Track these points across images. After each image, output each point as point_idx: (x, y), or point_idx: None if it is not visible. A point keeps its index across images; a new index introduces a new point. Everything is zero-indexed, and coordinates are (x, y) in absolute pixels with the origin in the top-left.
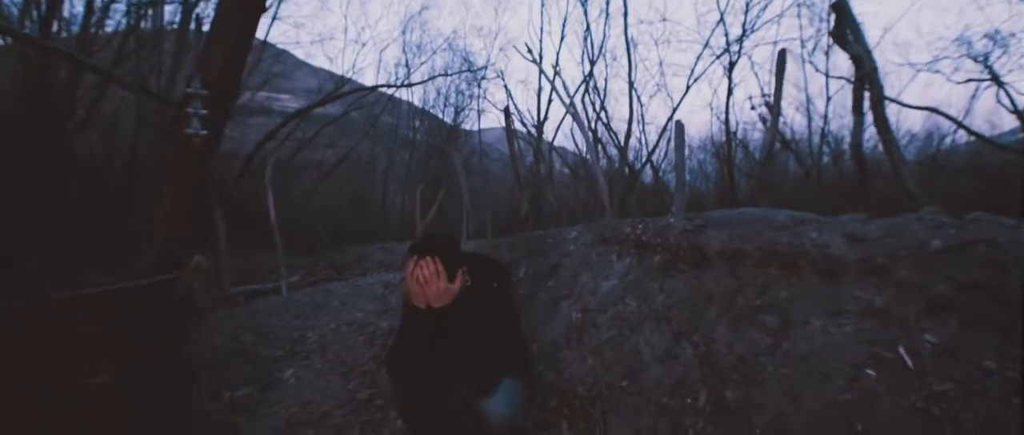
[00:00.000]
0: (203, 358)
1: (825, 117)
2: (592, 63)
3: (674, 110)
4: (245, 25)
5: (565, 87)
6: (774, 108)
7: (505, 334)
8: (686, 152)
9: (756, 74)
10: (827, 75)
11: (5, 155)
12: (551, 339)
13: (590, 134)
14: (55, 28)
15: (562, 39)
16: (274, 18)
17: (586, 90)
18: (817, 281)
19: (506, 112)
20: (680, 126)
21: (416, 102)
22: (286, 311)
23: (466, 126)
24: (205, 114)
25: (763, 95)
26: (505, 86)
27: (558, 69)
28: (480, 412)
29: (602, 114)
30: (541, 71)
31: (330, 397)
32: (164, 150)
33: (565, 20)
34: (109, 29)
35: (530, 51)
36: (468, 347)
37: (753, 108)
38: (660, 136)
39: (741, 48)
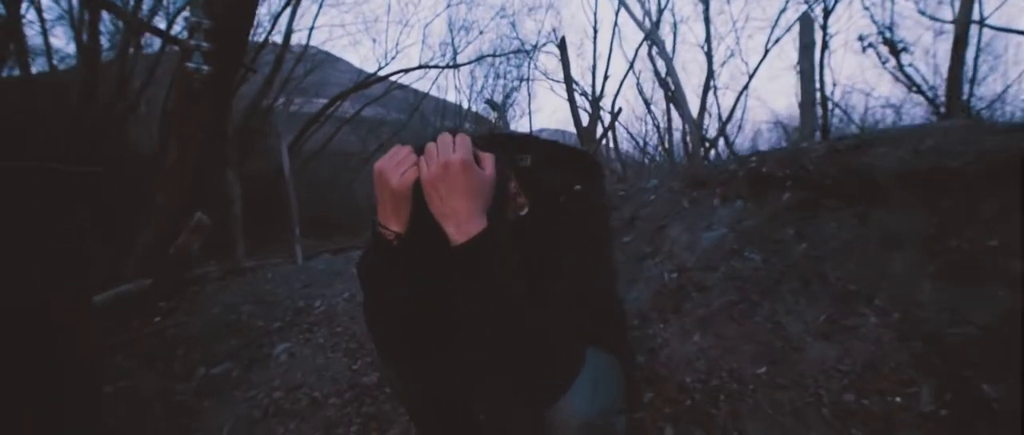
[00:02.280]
0: (186, 331)
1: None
2: (660, 13)
3: (751, 75)
4: None
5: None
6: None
7: (589, 281)
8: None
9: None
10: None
11: (58, 141)
12: (634, 309)
13: (669, 63)
14: None
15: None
16: (312, 29)
17: (649, 48)
18: None
19: (565, 61)
20: (807, 20)
21: (463, 85)
22: (296, 279)
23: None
24: (208, 48)
25: (879, 28)
26: (562, 52)
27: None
28: (542, 412)
29: (669, 80)
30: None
31: (327, 380)
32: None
33: None
34: None
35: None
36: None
37: (869, 45)
38: (734, 105)
39: None
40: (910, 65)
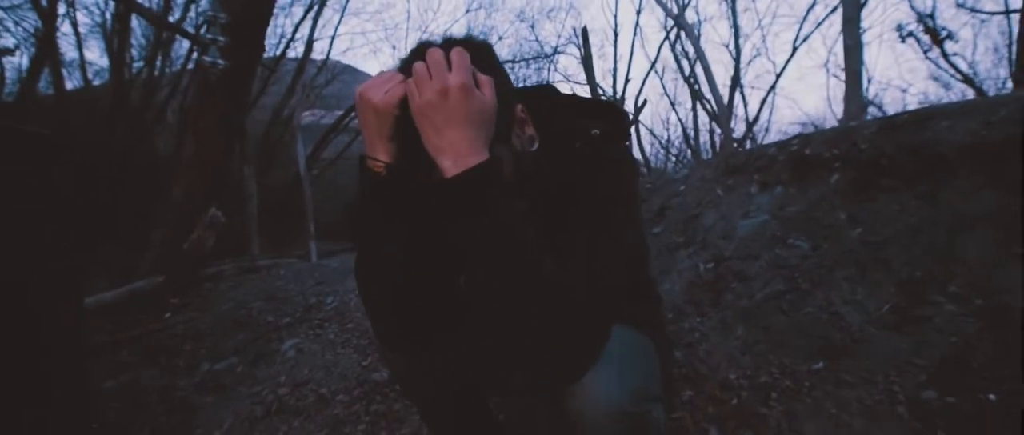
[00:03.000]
0: (194, 327)
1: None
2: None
3: (779, 74)
4: None
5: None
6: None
7: (610, 242)
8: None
9: None
10: None
11: (91, 152)
12: (667, 302)
13: (697, 44)
14: None
15: (640, 9)
16: (334, 37)
17: (673, 42)
18: None
19: (585, 36)
20: None
21: None
22: (309, 276)
23: None
24: (225, 42)
25: (919, 16)
26: (585, 41)
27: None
28: (565, 398)
29: (692, 79)
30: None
31: (335, 376)
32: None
33: None
34: None
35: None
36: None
37: (909, 35)
38: (761, 105)
39: None
40: (955, 54)
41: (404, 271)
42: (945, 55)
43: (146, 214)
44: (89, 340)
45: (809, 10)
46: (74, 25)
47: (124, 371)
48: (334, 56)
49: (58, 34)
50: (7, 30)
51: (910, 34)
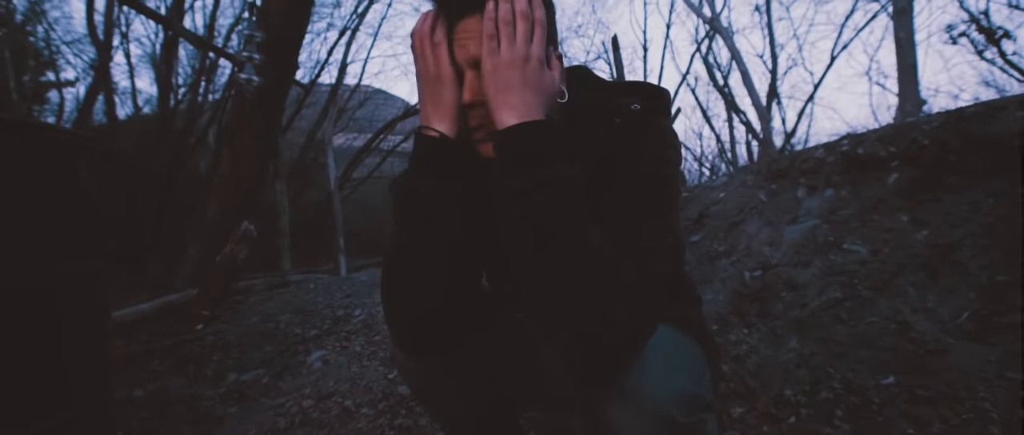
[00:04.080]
0: (224, 338)
1: None
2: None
3: (819, 83)
4: None
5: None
6: None
7: (663, 226)
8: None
9: None
10: None
11: (138, 175)
12: (710, 313)
13: (732, 45)
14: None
15: (670, 23)
16: (367, 59)
17: (705, 54)
18: None
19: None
20: None
21: None
22: (338, 290)
23: None
24: (260, 60)
25: (973, 15)
26: (615, 51)
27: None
28: (605, 406)
29: (726, 89)
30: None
31: (361, 389)
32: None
33: (672, 5)
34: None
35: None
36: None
37: (961, 35)
38: (800, 115)
39: None
40: (1014, 53)
41: (449, 253)
42: (1003, 54)
43: (184, 231)
44: (124, 350)
45: (849, 16)
46: (127, 56)
47: (153, 380)
48: (366, 79)
49: (112, 65)
50: (68, 63)
51: (962, 34)
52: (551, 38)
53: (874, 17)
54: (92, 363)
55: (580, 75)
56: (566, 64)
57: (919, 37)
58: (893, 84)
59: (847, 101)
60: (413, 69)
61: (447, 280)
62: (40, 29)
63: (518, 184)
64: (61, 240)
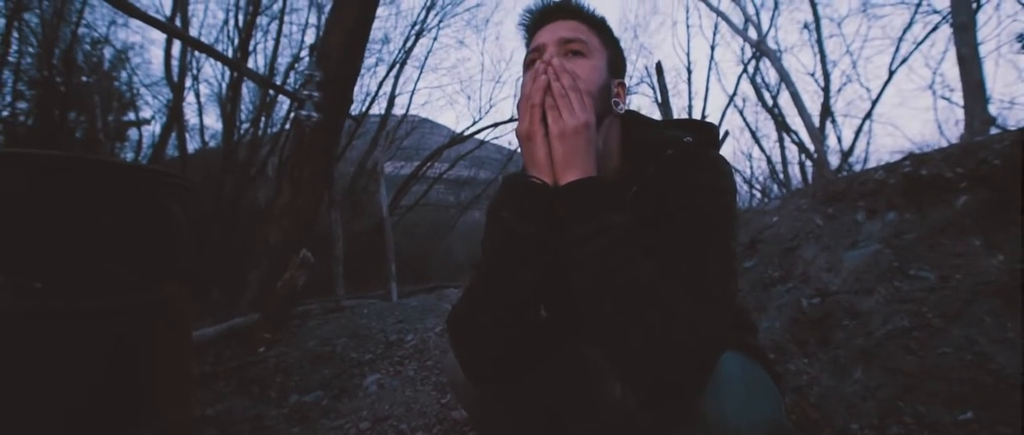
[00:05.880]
0: (284, 360)
1: None
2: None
3: (877, 99)
4: (363, 8)
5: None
6: None
7: (713, 263)
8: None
9: None
10: None
11: (205, 206)
12: (766, 342)
13: (780, 66)
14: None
15: (715, 44)
16: (413, 91)
17: (752, 74)
18: None
19: (659, 69)
20: None
21: None
22: (391, 315)
23: None
24: (318, 98)
25: None
26: (659, 76)
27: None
28: (684, 429)
29: (776, 109)
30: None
31: (416, 413)
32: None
33: (716, 27)
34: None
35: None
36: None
37: None
38: (857, 134)
39: None
40: None
41: (533, 292)
42: None
43: (246, 258)
44: (195, 370)
45: (906, 29)
46: (197, 95)
47: (221, 400)
48: (413, 109)
49: (184, 104)
50: (146, 103)
51: None
52: (617, 71)
53: (935, 29)
54: (178, 382)
55: (632, 117)
56: None
57: (988, 47)
58: (960, 97)
59: (909, 117)
60: (455, 100)
61: (529, 316)
62: (124, 74)
63: (579, 230)
64: (158, 267)
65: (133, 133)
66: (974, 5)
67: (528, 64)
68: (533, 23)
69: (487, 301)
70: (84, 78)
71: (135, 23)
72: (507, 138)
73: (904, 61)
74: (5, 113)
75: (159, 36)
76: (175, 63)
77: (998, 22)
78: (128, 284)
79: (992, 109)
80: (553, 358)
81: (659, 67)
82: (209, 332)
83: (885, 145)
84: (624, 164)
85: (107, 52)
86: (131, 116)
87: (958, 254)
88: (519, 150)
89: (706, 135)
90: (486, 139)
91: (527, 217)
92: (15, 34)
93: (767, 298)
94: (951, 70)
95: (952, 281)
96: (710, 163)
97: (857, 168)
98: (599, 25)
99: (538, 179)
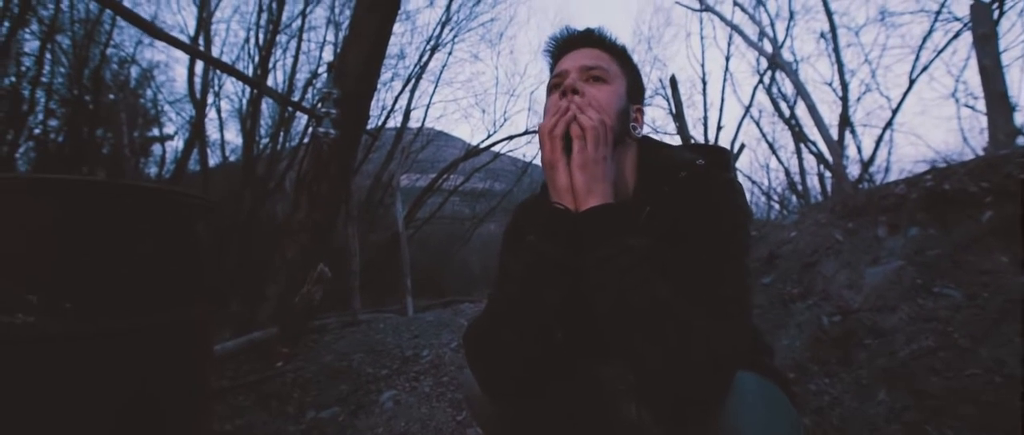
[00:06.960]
0: (302, 375)
1: None
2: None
3: (897, 108)
4: (380, 26)
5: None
6: None
7: (727, 282)
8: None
9: None
10: None
11: (225, 219)
12: (785, 360)
13: (796, 79)
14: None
15: (729, 55)
16: (429, 105)
17: (768, 85)
18: None
19: (673, 84)
20: (980, 8)
21: None
22: (406, 330)
23: None
24: (336, 115)
25: None
26: (674, 90)
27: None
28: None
29: (793, 120)
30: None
31: (431, 430)
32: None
33: (730, 38)
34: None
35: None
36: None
37: None
38: (877, 143)
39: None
40: None
41: (555, 314)
42: None
43: (264, 272)
44: (214, 385)
45: (926, 37)
46: (218, 112)
47: (240, 414)
48: (428, 123)
49: (206, 120)
50: (170, 120)
51: None
52: (635, 96)
53: (956, 36)
54: (199, 397)
55: (647, 141)
56: None
57: (1012, 54)
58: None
59: (932, 126)
60: (470, 113)
61: (551, 335)
62: (149, 92)
63: (600, 252)
64: (185, 286)
65: (157, 148)
66: (995, 14)
67: (552, 87)
68: (557, 50)
69: (512, 319)
70: (111, 96)
71: (160, 43)
72: (522, 151)
73: (925, 69)
74: (37, 130)
75: (183, 55)
76: (198, 81)
77: (1022, 28)
78: (157, 304)
79: (1018, 118)
80: (569, 378)
81: (673, 81)
82: (229, 345)
83: (908, 154)
84: (639, 185)
85: (134, 71)
86: (155, 132)
87: (984, 271)
88: (534, 161)
89: (718, 158)
90: (501, 151)
91: (553, 240)
92: (48, 55)
93: (786, 315)
94: (974, 78)
95: (979, 299)
96: (723, 185)
97: (878, 178)
98: (619, 53)
99: (561, 205)
